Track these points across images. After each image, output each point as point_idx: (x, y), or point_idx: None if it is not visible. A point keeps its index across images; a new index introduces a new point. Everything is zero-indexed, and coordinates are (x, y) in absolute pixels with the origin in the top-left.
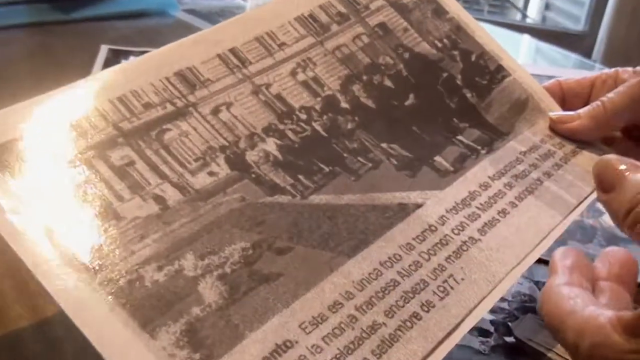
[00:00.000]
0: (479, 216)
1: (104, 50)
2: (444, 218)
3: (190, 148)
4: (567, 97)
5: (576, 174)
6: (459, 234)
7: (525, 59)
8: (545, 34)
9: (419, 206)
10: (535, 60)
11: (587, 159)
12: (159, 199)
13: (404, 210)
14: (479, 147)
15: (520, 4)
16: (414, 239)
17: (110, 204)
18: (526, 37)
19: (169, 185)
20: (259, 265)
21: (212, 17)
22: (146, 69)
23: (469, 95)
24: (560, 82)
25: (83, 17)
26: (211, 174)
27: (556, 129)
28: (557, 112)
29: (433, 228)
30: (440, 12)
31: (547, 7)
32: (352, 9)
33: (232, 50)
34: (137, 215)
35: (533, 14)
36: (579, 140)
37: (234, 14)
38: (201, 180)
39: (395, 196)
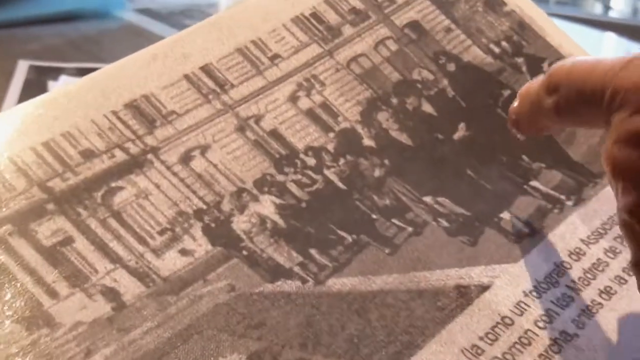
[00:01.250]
0: (572, 300)
1: (22, 67)
2: (522, 305)
3: (153, 215)
4: None
5: None
6: (545, 327)
7: None
8: (636, 31)
9: (484, 288)
10: None
11: None
12: (110, 294)
13: (464, 296)
14: (563, 197)
15: None
16: (481, 338)
17: (40, 305)
18: (610, 36)
19: (124, 273)
20: None
21: (174, 19)
22: (84, 100)
23: None
24: None
25: None
26: (184, 252)
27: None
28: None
29: (508, 321)
30: (495, 3)
31: None
32: (372, 3)
33: (205, 69)
34: (79, 320)
35: (619, 6)
36: None
37: (204, 15)
38: (170, 264)
39: (450, 275)
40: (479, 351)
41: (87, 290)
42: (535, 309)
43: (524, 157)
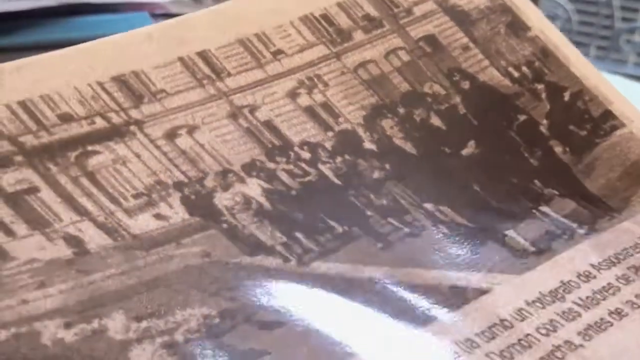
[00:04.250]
0: (579, 315)
1: None
2: (524, 312)
3: (129, 180)
4: None
5: None
6: (548, 334)
7: None
8: None
9: (483, 292)
10: None
11: None
12: (73, 241)
13: (459, 296)
14: (574, 225)
15: None
16: (477, 334)
17: None
18: None
19: (90, 225)
20: (230, 338)
21: None
22: (69, 67)
23: (559, 149)
24: None
25: (14, 45)
26: (158, 217)
27: None
28: None
29: (507, 324)
30: (518, 27)
31: None
32: (387, 13)
33: (202, 55)
34: (35, 257)
35: None
36: None
37: None
38: (142, 224)
39: (447, 276)
40: (474, 344)
41: (47, 234)
42: (538, 318)
43: (536, 181)
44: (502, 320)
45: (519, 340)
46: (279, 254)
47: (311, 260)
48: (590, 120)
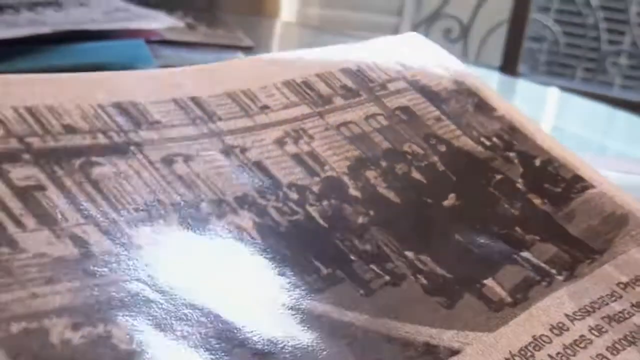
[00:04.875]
0: None
1: None
2: None
3: (130, 193)
4: None
5: None
6: None
7: None
8: None
9: (454, 352)
10: None
11: None
12: (79, 241)
13: (431, 354)
14: (554, 271)
15: None
16: None
17: (3, 228)
18: None
19: (95, 229)
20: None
21: None
22: (72, 88)
23: (537, 201)
24: None
25: (10, 72)
26: (158, 232)
27: None
28: None
29: None
30: (485, 108)
31: None
32: (364, 86)
33: (195, 100)
34: (44, 251)
35: None
36: None
37: None
38: (142, 235)
39: (421, 332)
40: None
41: (55, 231)
42: None
43: (518, 228)
44: None
45: None
46: (269, 286)
47: (299, 297)
48: (563, 181)
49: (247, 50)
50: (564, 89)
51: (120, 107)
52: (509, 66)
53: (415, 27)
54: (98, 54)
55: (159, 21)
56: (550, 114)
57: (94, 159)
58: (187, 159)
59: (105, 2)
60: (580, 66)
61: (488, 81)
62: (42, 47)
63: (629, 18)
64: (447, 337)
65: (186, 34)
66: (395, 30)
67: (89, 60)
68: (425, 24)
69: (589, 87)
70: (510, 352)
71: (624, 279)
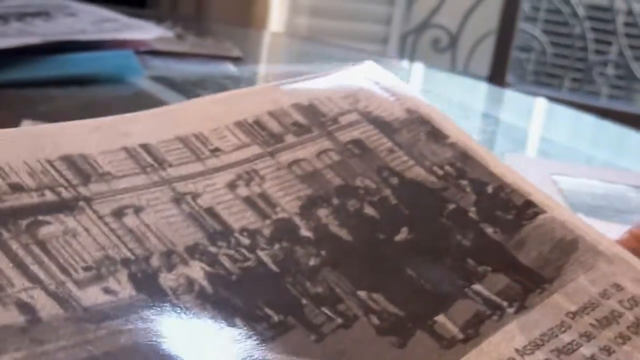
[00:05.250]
0: None
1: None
2: None
3: (78, 252)
4: None
5: None
6: None
7: None
8: None
9: None
10: None
11: None
12: (25, 308)
13: None
14: (505, 304)
15: None
16: None
17: None
18: None
19: (42, 294)
20: None
21: (187, 88)
22: (19, 144)
23: (489, 230)
24: None
25: (3, 81)
26: (107, 291)
27: None
28: None
29: None
30: (437, 136)
31: None
32: (315, 121)
33: (145, 147)
34: None
35: None
36: None
37: (218, 86)
38: (91, 297)
39: None
40: None
41: (1, 299)
42: None
43: (470, 260)
44: None
45: None
46: (221, 340)
47: (250, 348)
48: (514, 208)
49: (236, 60)
50: (552, 99)
51: (69, 160)
52: (496, 76)
53: (403, 37)
54: (87, 64)
55: (148, 31)
56: (537, 125)
57: (41, 217)
58: (138, 210)
59: (94, 12)
60: (567, 76)
61: (476, 92)
62: (31, 57)
63: (616, 28)
64: None
65: (175, 44)
66: (384, 40)
67: (78, 71)
68: (413, 34)
69: (576, 97)
70: None
71: (573, 308)
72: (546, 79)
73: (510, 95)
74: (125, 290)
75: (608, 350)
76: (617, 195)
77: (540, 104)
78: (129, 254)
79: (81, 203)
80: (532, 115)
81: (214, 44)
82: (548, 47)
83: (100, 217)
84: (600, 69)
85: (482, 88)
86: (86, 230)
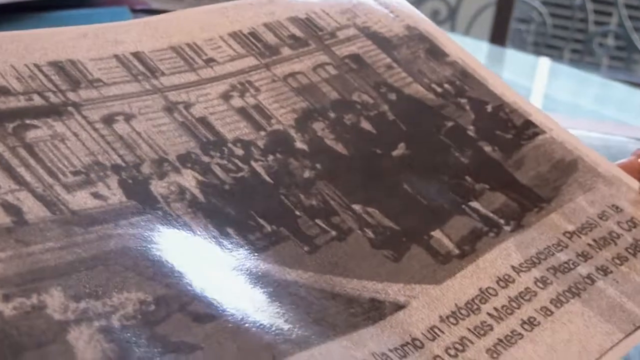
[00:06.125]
0: (491, 328)
1: None
2: (436, 331)
3: (67, 156)
4: None
5: None
6: (456, 355)
7: None
8: None
9: (399, 307)
10: None
11: None
12: (11, 209)
13: (376, 310)
14: (502, 221)
15: None
16: (391, 350)
17: None
18: None
19: (29, 196)
20: (164, 328)
21: None
22: (6, 47)
23: (488, 149)
24: None
25: None
26: (97, 196)
27: None
28: None
29: (418, 343)
30: (437, 53)
31: None
32: (312, 34)
33: (137, 55)
34: None
35: None
36: None
37: None
38: (80, 201)
39: (366, 287)
40: (389, 359)
41: None
42: (449, 336)
43: (467, 177)
44: (413, 340)
45: None
46: (211, 247)
47: (241, 256)
48: (513, 127)
49: None
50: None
51: (57, 66)
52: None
53: None
54: (81, 21)
55: None
56: (540, 83)
57: (28, 121)
58: (129, 117)
59: None
60: (567, 47)
61: (477, 53)
62: (23, 14)
63: None
64: (392, 292)
65: (172, 2)
66: None
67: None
68: (413, 6)
69: (576, 68)
70: (456, 304)
71: (571, 228)
72: (546, 50)
73: (512, 55)
74: (115, 195)
75: (605, 271)
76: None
77: (544, 64)
78: (119, 160)
79: (70, 108)
80: (534, 75)
81: (213, 2)
82: (548, 18)
83: (90, 123)
84: (600, 40)
85: (484, 48)
86: (75, 135)
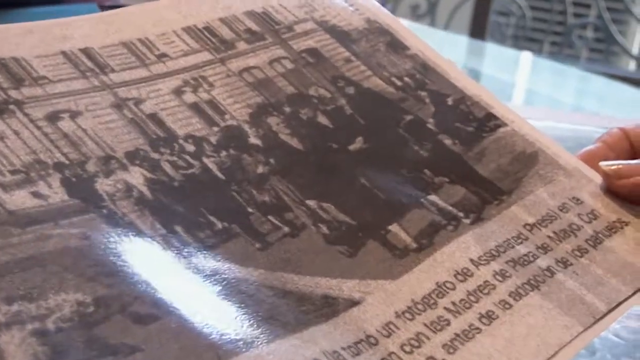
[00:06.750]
0: (448, 323)
1: None
2: (391, 327)
3: (6, 155)
4: (637, 149)
5: (610, 265)
6: (411, 352)
7: None
8: None
9: (354, 303)
10: None
11: (630, 242)
12: None
13: (330, 306)
14: (461, 214)
15: (636, 50)
16: (344, 348)
17: None
18: None
19: None
20: (103, 329)
21: None
22: None
23: (448, 142)
24: (626, 129)
25: None
26: (37, 195)
27: (613, 188)
28: (614, 162)
29: (372, 340)
30: (397, 46)
31: None
32: (269, 28)
33: (85, 51)
34: None
35: None
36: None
37: None
38: (18, 201)
39: (319, 284)
40: (341, 357)
41: None
42: (405, 332)
43: (426, 171)
44: (368, 337)
45: (382, 359)
46: (157, 245)
47: (189, 255)
48: (474, 120)
49: None
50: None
51: (0, 64)
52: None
53: (382, 3)
54: (47, 18)
55: None
56: (521, 77)
57: None
58: (75, 115)
59: None
60: (546, 40)
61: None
62: None
63: None
64: (347, 288)
65: None
66: None
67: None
68: (393, 0)
69: (555, 61)
70: (412, 299)
71: (531, 220)
72: (525, 43)
73: (492, 49)
74: (56, 194)
75: (565, 263)
76: (583, 136)
77: (525, 58)
78: (62, 158)
79: (11, 106)
80: (515, 69)
81: None
82: (527, 11)
83: (32, 121)
84: (579, 32)
85: (464, 42)
86: (16, 133)
